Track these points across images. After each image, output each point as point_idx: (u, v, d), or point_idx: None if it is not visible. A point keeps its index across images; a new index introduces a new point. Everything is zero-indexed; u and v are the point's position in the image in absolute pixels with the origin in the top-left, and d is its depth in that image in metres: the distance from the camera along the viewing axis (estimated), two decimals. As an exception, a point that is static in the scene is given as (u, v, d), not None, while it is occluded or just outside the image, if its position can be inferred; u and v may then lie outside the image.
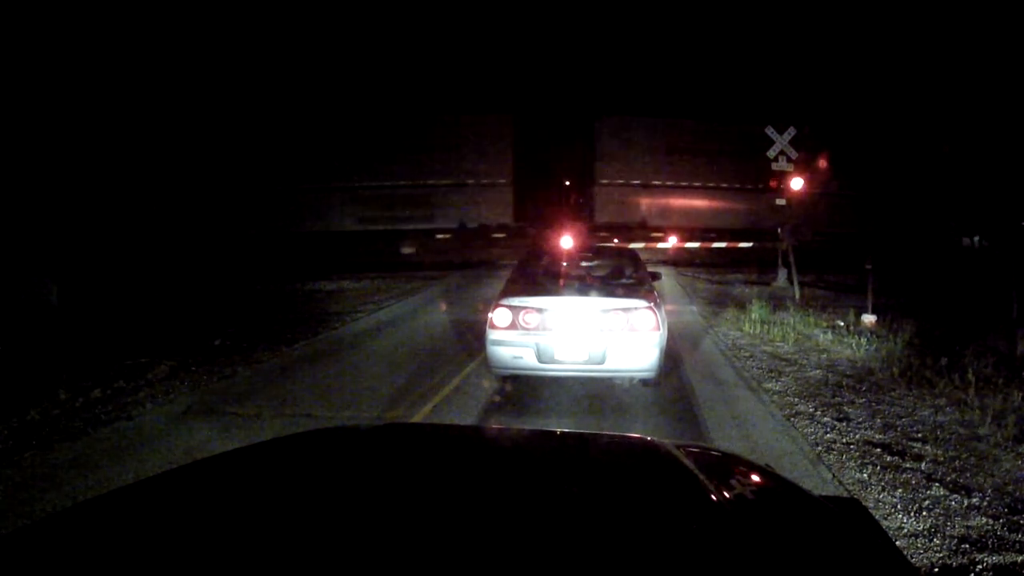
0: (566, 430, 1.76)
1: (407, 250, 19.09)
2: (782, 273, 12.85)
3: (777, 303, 9.72)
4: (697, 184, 20.95)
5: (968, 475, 3.67)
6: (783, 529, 1.09)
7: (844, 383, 5.61)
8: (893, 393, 5.31)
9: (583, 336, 4.99)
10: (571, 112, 19.40)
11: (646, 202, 20.83)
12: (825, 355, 6.79)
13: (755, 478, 1.43)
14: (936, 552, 2.86)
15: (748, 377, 5.97)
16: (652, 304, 5.11)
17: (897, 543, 2.14)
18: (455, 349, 7.09)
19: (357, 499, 1.10)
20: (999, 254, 17.46)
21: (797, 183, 12.26)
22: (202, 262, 15.30)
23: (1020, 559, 2.79)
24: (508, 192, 19.69)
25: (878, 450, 4.08)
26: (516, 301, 5.18)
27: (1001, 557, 2.80)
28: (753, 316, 8.55)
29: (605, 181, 20.57)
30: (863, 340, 7.16)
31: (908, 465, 3.83)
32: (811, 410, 4.94)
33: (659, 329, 5.01)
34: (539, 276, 6.19)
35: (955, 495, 3.40)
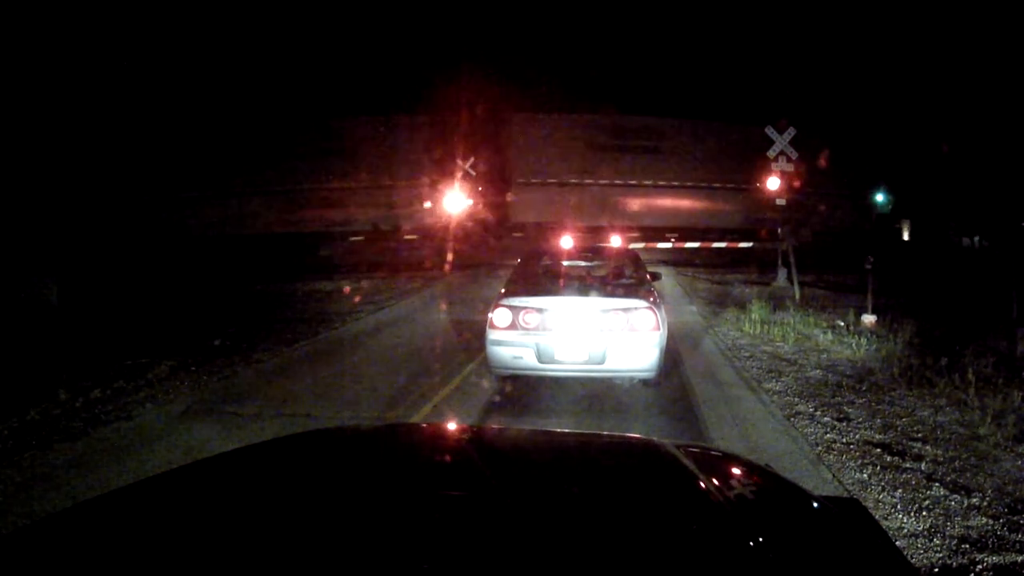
0: (566, 430, 1.75)
1: (324, 252, 19.23)
2: (782, 273, 12.85)
3: (777, 303, 9.72)
4: (619, 182, 20.69)
5: (968, 475, 3.67)
6: (783, 529, 1.09)
7: (844, 383, 5.61)
8: (893, 393, 5.31)
9: (583, 336, 4.99)
10: (488, 110, 19.19)
11: (563, 200, 20.60)
12: (825, 355, 6.79)
13: (755, 478, 1.43)
14: (936, 552, 2.86)
15: (748, 377, 5.97)
16: (652, 304, 5.11)
17: (897, 543, 2.14)
18: (455, 349, 7.09)
19: (357, 499, 1.10)
20: (999, 254, 17.46)
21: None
22: (202, 262, 15.30)
23: (1020, 559, 2.79)
24: (422, 193, 19.56)
25: (878, 450, 4.08)
26: (516, 301, 5.18)
27: (1001, 557, 2.80)
28: (753, 316, 8.55)
29: (521, 180, 20.42)
30: (863, 340, 7.16)
31: (908, 465, 3.83)
32: (811, 410, 4.94)
33: (659, 329, 5.01)
34: (539, 276, 6.20)
35: (955, 495, 3.40)
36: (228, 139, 19.19)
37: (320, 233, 19.60)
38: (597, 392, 5.42)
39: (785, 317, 8.58)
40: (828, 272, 14.18)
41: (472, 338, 7.15)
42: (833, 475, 3.71)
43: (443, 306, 10.81)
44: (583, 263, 6.84)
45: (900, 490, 3.48)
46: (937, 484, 3.54)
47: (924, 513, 3.21)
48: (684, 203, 20.70)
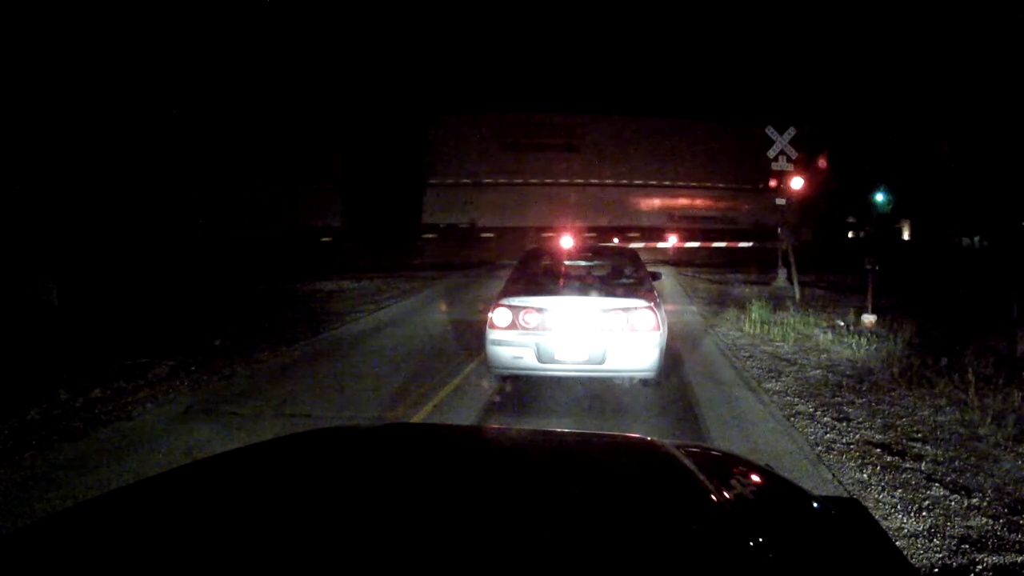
0: (566, 430, 1.75)
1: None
2: (782, 273, 12.86)
3: (777, 303, 9.73)
4: (534, 181, 20.56)
5: (968, 475, 3.67)
6: (783, 529, 1.09)
7: (844, 383, 5.61)
8: (893, 393, 5.31)
9: (583, 336, 4.99)
10: (405, 112, 19.10)
11: (477, 201, 20.40)
12: (825, 355, 6.79)
13: (755, 478, 1.43)
14: (936, 552, 2.86)
15: (748, 377, 5.97)
16: (652, 304, 5.10)
17: (897, 543, 2.14)
18: (455, 349, 7.10)
19: (357, 499, 1.10)
20: (999, 254, 17.45)
21: (794, 184, 12.24)
22: (202, 261, 15.30)
23: (1020, 559, 2.79)
24: (335, 195, 19.44)
25: (878, 450, 4.08)
26: (516, 301, 5.18)
27: (1001, 557, 2.80)
28: (753, 316, 8.55)
29: (434, 180, 20.29)
30: (863, 340, 7.16)
31: (908, 465, 3.83)
32: (811, 410, 4.94)
33: (659, 329, 5.01)
34: (539, 276, 6.19)
35: (955, 495, 3.40)
36: (231, 140, 19.23)
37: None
38: (597, 392, 5.42)
39: (785, 317, 8.58)
40: (828, 272, 14.18)
41: (472, 338, 7.15)
42: (833, 475, 3.71)
43: (443, 306, 10.81)
44: (583, 263, 6.84)
45: (900, 490, 3.48)
46: (937, 484, 3.54)
47: (924, 513, 3.21)
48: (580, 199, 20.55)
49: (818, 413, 4.86)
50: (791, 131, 12.12)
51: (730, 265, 17.18)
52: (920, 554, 2.85)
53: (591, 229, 20.21)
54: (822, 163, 15.01)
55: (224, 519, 1.02)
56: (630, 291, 5.48)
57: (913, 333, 7.41)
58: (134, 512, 1.08)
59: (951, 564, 2.76)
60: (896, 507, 3.29)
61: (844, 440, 4.27)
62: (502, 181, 20.44)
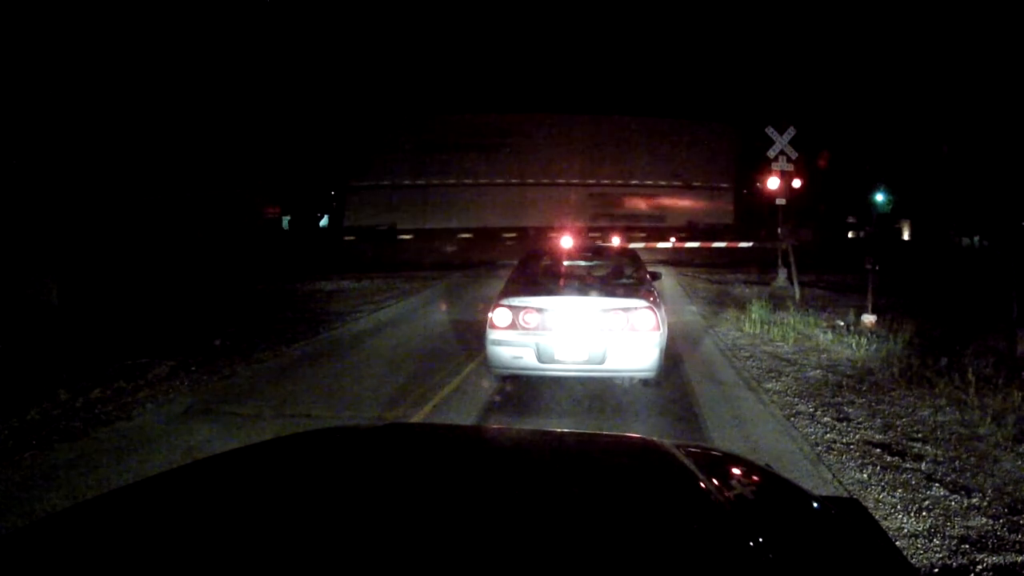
0: (566, 430, 1.75)
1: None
2: (782, 273, 12.85)
3: (777, 303, 9.73)
4: (468, 181, 20.43)
5: (968, 475, 3.67)
6: (783, 529, 1.09)
7: (844, 383, 5.61)
8: (893, 393, 5.31)
9: (583, 336, 4.99)
10: (333, 115, 19.00)
11: (401, 203, 20.25)
12: (825, 355, 6.79)
13: (755, 478, 1.43)
14: (936, 552, 2.86)
15: (748, 377, 5.97)
16: (652, 304, 5.10)
17: (897, 543, 2.14)
18: (455, 349, 7.09)
19: (357, 499, 1.10)
20: (999, 254, 17.46)
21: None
22: (202, 261, 15.30)
23: (1020, 559, 2.79)
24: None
25: (878, 450, 4.08)
26: (516, 301, 5.18)
27: (1001, 557, 2.80)
28: (753, 316, 8.55)
29: (354, 183, 20.13)
30: (863, 340, 7.16)
31: (908, 465, 3.83)
32: (811, 410, 4.94)
33: (659, 329, 5.01)
34: (539, 276, 6.20)
35: (955, 495, 3.40)
36: (230, 139, 19.19)
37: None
38: (597, 392, 5.41)
39: (785, 317, 8.58)
40: (828, 272, 14.18)
41: (472, 338, 7.15)
42: (833, 475, 3.71)
43: (443, 306, 10.81)
44: (583, 263, 6.84)
45: (900, 490, 3.48)
46: (937, 484, 3.54)
47: (924, 513, 3.21)
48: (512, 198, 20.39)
49: (818, 413, 4.86)
50: (791, 131, 12.11)
51: (730, 265, 17.17)
52: (920, 554, 2.85)
53: (515, 230, 20.09)
54: (821, 163, 15.02)
55: (224, 519, 1.02)
56: (630, 291, 5.48)
57: (913, 333, 7.41)
58: (134, 512, 1.08)
59: (951, 564, 2.76)
60: (896, 507, 3.29)
61: (844, 440, 4.27)
62: (420, 183, 20.21)
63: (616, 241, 16.97)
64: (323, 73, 19.70)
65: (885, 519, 3.16)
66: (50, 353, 6.73)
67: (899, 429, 4.48)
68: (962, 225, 23.70)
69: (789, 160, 12.13)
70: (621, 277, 6.17)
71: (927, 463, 3.85)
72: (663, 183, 20.81)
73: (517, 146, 20.18)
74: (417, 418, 4.77)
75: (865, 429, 4.49)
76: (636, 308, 5.03)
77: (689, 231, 19.83)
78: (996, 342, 6.74)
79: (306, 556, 0.87)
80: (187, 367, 6.28)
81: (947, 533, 3.02)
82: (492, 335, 5.13)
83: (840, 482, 3.62)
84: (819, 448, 4.14)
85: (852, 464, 3.88)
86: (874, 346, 6.96)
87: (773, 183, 12.06)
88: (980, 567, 2.73)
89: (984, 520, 3.13)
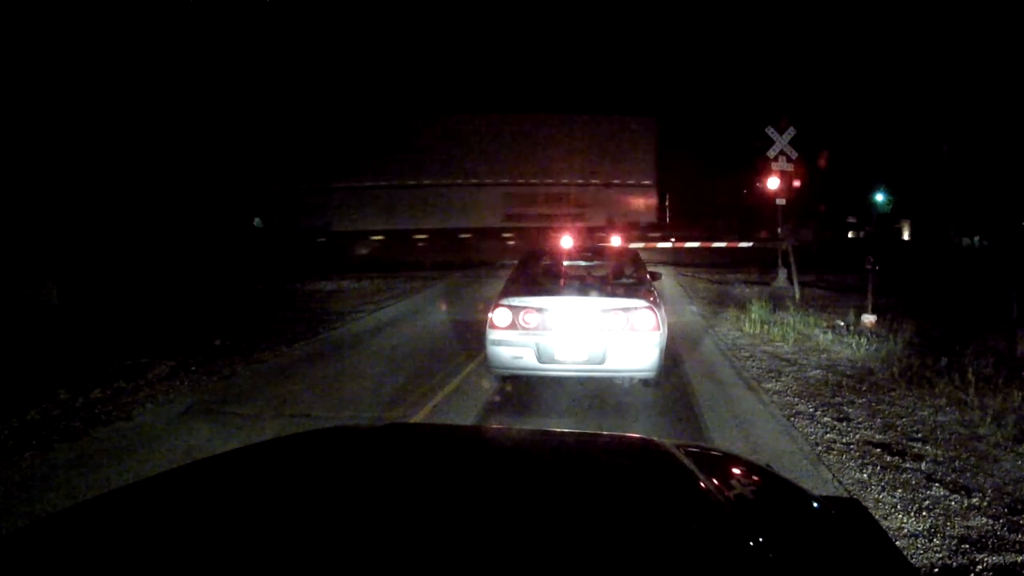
0: (566, 430, 1.75)
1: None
2: (782, 273, 12.85)
3: (777, 303, 9.72)
4: (382, 183, 20.17)
5: (968, 475, 3.67)
6: (783, 529, 1.09)
7: (844, 383, 5.61)
8: (893, 393, 5.31)
9: (583, 336, 4.99)
10: (248, 113, 18.94)
11: (307, 205, 20.01)
12: (825, 355, 6.79)
13: (755, 478, 1.43)
14: (936, 552, 2.86)
15: (748, 377, 5.97)
16: (652, 304, 5.10)
17: (897, 543, 2.14)
18: (455, 349, 7.09)
19: (357, 499, 1.10)
20: (999, 254, 17.45)
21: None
22: (203, 261, 15.30)
23: (1020, 559, 2.79)
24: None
25: (878, 450, 4.08)
26: (516, 301, 5.18)
27: (1001, 557, 2.80)
28: (753, 316, 8.55)
29: (274, 187, 19.85)
30: (863, 340, 7.15)
31: (908, 465, 3.83)
32: (811, 410, 4.94)
33: (659, 329, 5.01)
34: (539, 276, 6.20)
35: (955, 495, 3.40)
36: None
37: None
38: (597, 392, 5.42)
39: (785, 317, 8.58)
40: (828, 272, 14.18)
41: (472, 338, 7.15)
42: (833, 475, 3.71)
43: (442, 306, 10.81)
44: (583, 263, 6.84)
45: (900, 490, 3.48)
46: (937, 484, 3.54)
47: (924, 513, 3.21)
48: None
49: (818, 413, 4.86)
50: (791, 131, 12.10)
51: (730, 265, 17.17)
52: (920, 554, 2.85)
53: (426, 231, 19.83)
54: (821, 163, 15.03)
55: (224, 519, 1.02)
56: (630, 291, 5.48)
57: (913, 333, 7.40)
58: (134, 512, 1.08)
59: (951, 564, 2.76)
60: (896, 507, 3.29)
61: (844, 440, 4.27)
62: (323, 186, 19.87)
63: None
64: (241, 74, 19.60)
65: (885, 519, 3.16)
66: (50, 353, 6.73)
67: (899, 429, 4.48)
68: (962, 225, 23.69)
69: (789, 160, 12.13)
70: (621, 277, 6.17)
71: (927, 463, 3.85)
72: (580, 181, 20.18)
73: (428, 147, 19.86)
74: (417, 418, 4.77)
75: (865, 429, 4.49)
76: (636, 308, 5.03)
77: (608, 230, 19.17)
78: (996, 342, 6.74)
79: (306, 556, 0.87)
80: (187, 367, 6.28)
81: (947, 533, 3.02)
82: (492, 335, 5.13)
83: (840, 482, 3.62)
84: (819, 448, 4.14)
85: (852, 464, 3.88)
86: (874, 346, 6.96)
87: (773, 183, 12.05)
88: (980, 567, 2.73)
89: (984, 520, 3.13)
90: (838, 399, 5.20)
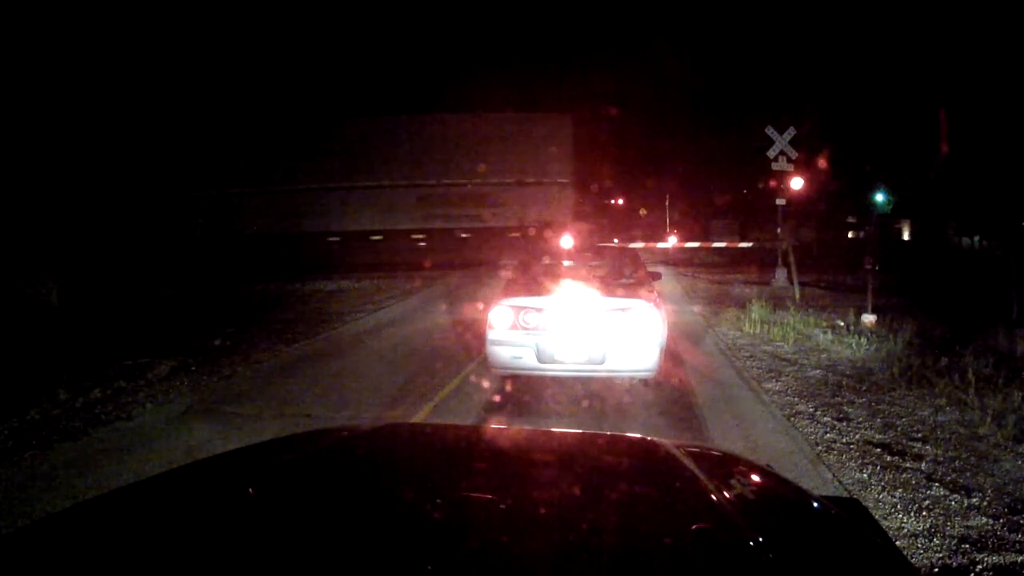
0: (566, 430, 1.75)
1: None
2: (782, 273, 12.85)
3: (777, 303, 9.72)
4: (288, 187, 19.93)
5: (968, 475, 3.67)
6: (783, 529, 1.09)
7: (844, 383, 5.61)
8: (893, 393, 5.31)
9: (583, 336, 4.99)
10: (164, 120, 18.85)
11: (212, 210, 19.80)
12: (825, 355, 6.79)
13: (755, 478, 1.43)
14: (936, 552, 2.86)
15: (748, 377, 5.97)
16: (652, 304, 5.10)
17: (897, 543, 2.14)
18: (455, 349, 7.09)
19: (357, 499, 1.10)
20: (999, 254, 17.45)
21: (797, 182, 12.25)
22: (203, 261, 15.31)
23: (1020, 559, 2.79)
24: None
25: (878, 450, 4.08)
26: (516, 301, 5.18)
27: (1001, 557, 2.80)
28: (753, 316, 8.55)
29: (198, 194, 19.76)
30: (863, 340, 7.15)
31: (908, 465, 3.83)
32: (811, 410, 4.93)
33: (659, 329, 5.01)
34: (539, 276, 6.19)
35: (955, 495, 3.40)
36: (228, 140, 19.11)
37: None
38: (597, 392, 5.41)
39: (785, 317, 8.58)
40: (828, 272, 14.18)
41: (472, 338, 7.15)
42: (833, 475, 3.71)
43: (443, 305, 10.81)
44: (583, 263, 6.84)
45: (900, 490, 3.48)
46: (937, 484, 3.54)
47: (924, 513, 3.21)
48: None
49: (818, 413, 4.85)
50: (791, 131, 12.11)
51: (730, 265, 17.18)
52: (920, 554, 2.85)
53: (338, 234, 19.69)
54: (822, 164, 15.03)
55: (224, 519, 1.02)
56: (630, 291, 5.48)
57: (913, 333, 7.40)
58: (134, 512, 1.08)
59: (951, 564, 2.76)
60: (896, 507, 3.29)
61: (844, 440, 4.27)
62: (235, 191, 19.59)
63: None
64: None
65: (885, 519, 3.16)
66: (50, 353, 6.73)
67: (899, 429, 4.47)
68: (962, 225, 23.69)
69: (789, 160, 12.13)
70: (621, 277, 6.17)
71: (927, 463, 3.85)
72: (494, 181, 19.66)
73: (339, 151, 19.69)
74: (417, 418, 4.77)
75: (865, 429, 4.49)
76: (636, 308, 5.03)
77: (522, 231, 18.80)
78: (996, 342, 6.74)
79: (306, 556, 0.87)
80: (187, 367, 6.28)
81: (947, 533, 3.02)
82: (492, 335, 5.13)
83: (840, 482, 3.62)
84: (819, 448, 4.14)
85: (852, 464, 3.87)
86: (874, 346, 6.96)
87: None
88: (980, 567, 2.73)
89: (984, 520, 3.13)
90: (838, 399, 5.19)
